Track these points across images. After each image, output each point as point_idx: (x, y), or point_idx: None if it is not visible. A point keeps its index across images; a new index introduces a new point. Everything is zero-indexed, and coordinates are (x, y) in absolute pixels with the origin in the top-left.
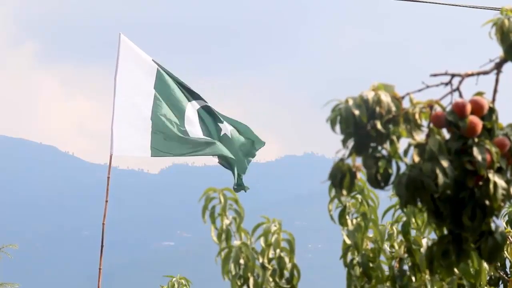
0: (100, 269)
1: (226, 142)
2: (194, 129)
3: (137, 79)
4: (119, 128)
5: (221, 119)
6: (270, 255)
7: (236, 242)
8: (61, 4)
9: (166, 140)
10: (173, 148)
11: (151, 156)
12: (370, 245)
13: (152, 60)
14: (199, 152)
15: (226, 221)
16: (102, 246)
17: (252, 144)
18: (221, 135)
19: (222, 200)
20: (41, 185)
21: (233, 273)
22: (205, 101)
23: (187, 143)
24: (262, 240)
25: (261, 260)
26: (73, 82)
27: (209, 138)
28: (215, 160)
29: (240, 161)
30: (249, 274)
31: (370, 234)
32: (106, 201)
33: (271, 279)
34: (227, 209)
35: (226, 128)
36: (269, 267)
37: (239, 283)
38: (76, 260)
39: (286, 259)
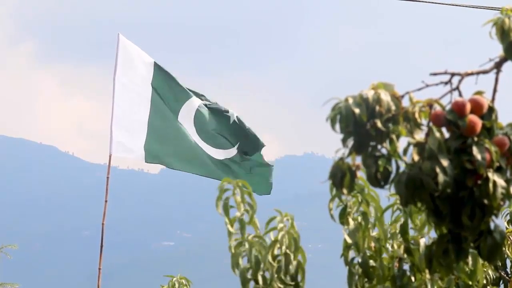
0: (99, 269)
1: (236, 130)
2: (190, 127)
3: (136, 79)
4: (118, 129)
5: (227, 109)
6: (276, 252)
7: (248, 235)
8: (60, 3)
9: (162, 146)
10: (169, 158)
11: (145, 161)
12: (373, 244)
13: (152, 59)
14: (193, 171)
15: (238, 214)
16: (101, 246)
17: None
18: (230, 123)
19: (239, 192)
20: (41, 185)
21: (248, 266)
22: (205, 100)
23: (186, 155)
24: (272, 235)
25: (268, 256)
26: (73, 82)
27: (214, 156)
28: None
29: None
30: (259, 270)
31: (372, 233)
32: (106, 201)
33: (276, 275)
34: (241, 200)
35: (233, 115)
36: (274, 264)
37: (248, 277)
38: (76, 260)
39: (292, 257)
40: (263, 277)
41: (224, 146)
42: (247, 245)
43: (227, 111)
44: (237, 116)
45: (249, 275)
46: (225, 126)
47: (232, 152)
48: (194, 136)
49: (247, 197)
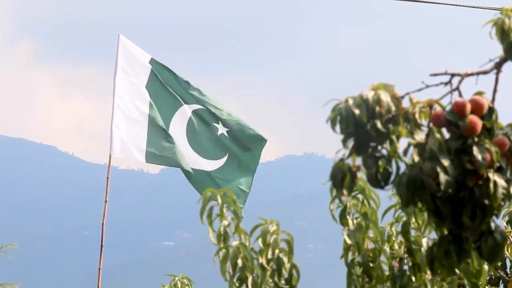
0: (99, 269)
1: (224, 142)
2: (179, 137)
3: (136, 80)
4: (118, 129)
5: (218, 119)
6: (269, 256)
7: (234, 243)
8: (60, 3)
9: (160, 146)
10: (167, 157)
11: (146, 161)
12: (370, 245)
13: (151, 58)
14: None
15: (225, 222)
16: (101, 246)
17: (255, 141)
18: (218, 134)
19: (220, 201)
20: (41, 185)
21: (231, 273)
22: (201, 104)
23: (178, 153)
24: (260, 240)
25: (260, 261)
26: (73, 81)
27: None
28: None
29: (241, 177)
30: (247, 274)
31: (371, 234)
32: (106, 201)
33: (270, 280)
34: (225, 210)
35: (223, 128)
36: (268, 267)
37: (237, 284)
38: (76, 260)
39: (285, 259)
40: (254, 282)
41: (213, 157)
42: (231, 253)
43: (218, 122)
44: (227, 131)
45: (237, 282)
46: (210, 138)
47: (219, 163)
48: (185, 146)
49: (232, 205)
